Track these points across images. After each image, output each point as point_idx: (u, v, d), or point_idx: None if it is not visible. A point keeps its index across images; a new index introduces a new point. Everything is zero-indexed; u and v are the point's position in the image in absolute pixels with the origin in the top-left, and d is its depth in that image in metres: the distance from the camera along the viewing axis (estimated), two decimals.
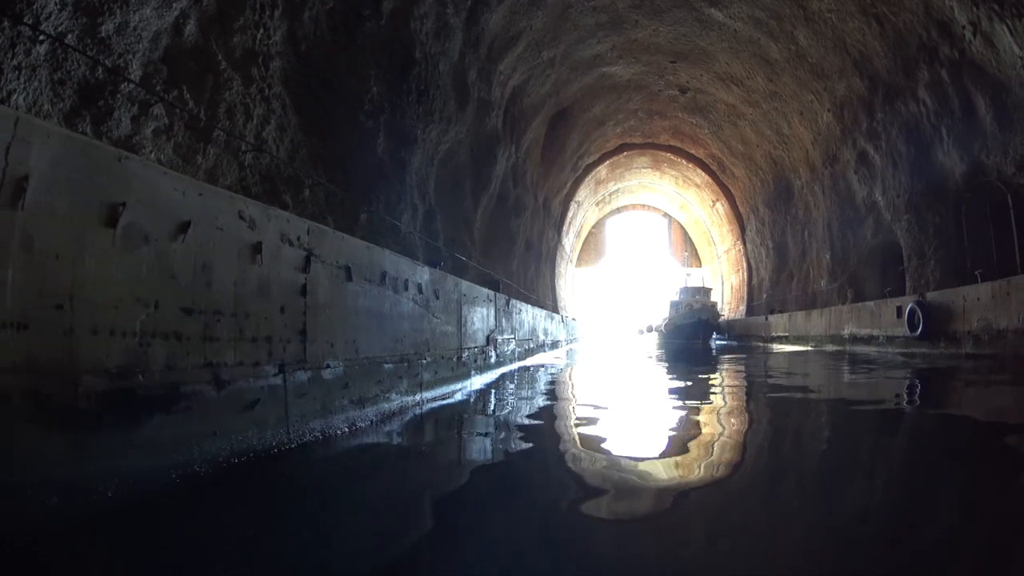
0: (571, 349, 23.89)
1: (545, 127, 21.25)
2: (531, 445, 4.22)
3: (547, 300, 27.95)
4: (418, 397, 5.76)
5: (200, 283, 3.13)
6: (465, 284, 7.58)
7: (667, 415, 5.59)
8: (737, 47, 18.59)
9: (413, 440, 4.56)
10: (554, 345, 19.70)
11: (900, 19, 13.60)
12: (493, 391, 7.31)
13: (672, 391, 7.74)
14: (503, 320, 9.90)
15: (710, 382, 8.69)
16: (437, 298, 6.31)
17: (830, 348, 18.17)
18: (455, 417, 5.54)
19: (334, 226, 7.78)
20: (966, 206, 13.95)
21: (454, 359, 6.94)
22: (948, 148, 13.69)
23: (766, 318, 26.02)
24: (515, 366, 10.67)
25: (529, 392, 7.30)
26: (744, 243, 30.78)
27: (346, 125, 8.87)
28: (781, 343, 22.99)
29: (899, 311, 14.53)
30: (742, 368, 11.96)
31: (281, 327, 3.79)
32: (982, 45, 11.87)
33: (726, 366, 12.68)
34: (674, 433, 4.65)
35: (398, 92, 9.86)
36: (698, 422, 5.10)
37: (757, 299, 30.17)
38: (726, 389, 7.89)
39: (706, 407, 6.04)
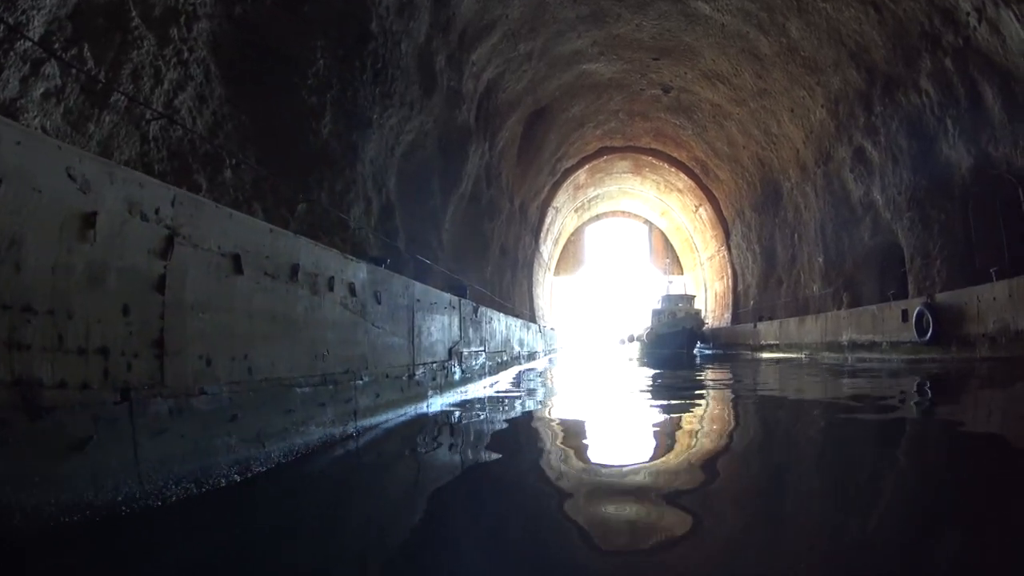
0: (551, 359, 22.70)
1: (521, 126, 20.07)
2: (501, 485, 3.35)
3: (524, 309, 26.68)
4: (351, 428, 4.38)
5: (7, 266, 2.20)
6: (419, 287, 6.21)
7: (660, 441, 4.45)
8: (724, 42, 17.66)
9: (334, 491, 3.29)
10: (531, 357, 18.33)
11: (900, 7, 12.83)
12: (456, 414, 5.98)
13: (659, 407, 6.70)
14: (470, 330, 8.49)
15: (702, 402, 7.45)
16: (379, 302, 4.92)
17: (828, 356, 17.03)
18: (401, 453, 4.27)
19: (264, 216, 6.39)
20: (973, 201, 13.09)
21: (404, 377, 5.55)
22: (953, 141, 12.83)
23: (755, 325, 24.95)
24: (484, 383, 9.25)
25: (497, 412, 6.01)
26: (729, 249, 29.84)
27: (285, 100, 7.52)
28: (772, 351, 21.85)
29: (905, 315, 13.52)
30: (741, 383, 10.74)
31: (124, 335, 2.59)
32: (988, 32, 11.27)
33: (714, 375, 11.47)
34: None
35: (350, 68, 8.52)
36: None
37: (743, 306, 29.20)
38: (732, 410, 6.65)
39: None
